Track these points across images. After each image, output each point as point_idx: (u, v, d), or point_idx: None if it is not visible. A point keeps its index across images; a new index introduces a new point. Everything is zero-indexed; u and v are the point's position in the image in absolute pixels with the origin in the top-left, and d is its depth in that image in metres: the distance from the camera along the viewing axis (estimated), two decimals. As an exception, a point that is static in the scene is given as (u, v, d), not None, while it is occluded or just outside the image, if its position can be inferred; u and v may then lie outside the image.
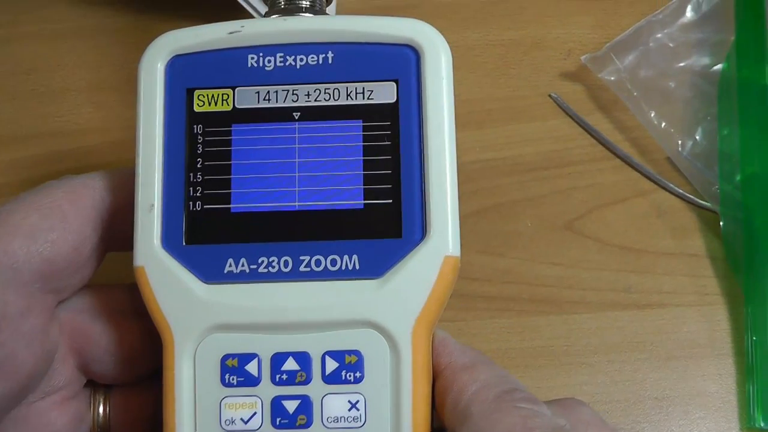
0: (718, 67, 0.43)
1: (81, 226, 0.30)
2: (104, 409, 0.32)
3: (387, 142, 0.29)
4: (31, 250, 0.28)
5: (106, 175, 0.31)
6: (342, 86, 0.29)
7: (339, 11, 0.43)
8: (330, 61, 0.29)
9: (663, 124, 0.42)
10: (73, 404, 0.31)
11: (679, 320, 0.39)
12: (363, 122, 0.29)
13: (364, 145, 0.29)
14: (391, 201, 0.28)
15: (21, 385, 0.29)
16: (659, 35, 0.43)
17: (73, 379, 0.31)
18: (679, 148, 0.42)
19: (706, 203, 0.41)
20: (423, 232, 0.28)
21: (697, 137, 0.42)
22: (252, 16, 0.41)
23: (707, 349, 0.39)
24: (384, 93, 0.29)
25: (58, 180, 0.30)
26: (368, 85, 0.29)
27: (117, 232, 0.30)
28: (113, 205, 0.30)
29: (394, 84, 0.29)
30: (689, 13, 0.44)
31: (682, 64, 0.43)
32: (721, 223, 0.40)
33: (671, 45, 0.43)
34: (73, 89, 0.43)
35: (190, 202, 0.29)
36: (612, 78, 0.42)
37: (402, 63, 0.29)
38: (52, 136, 0.42)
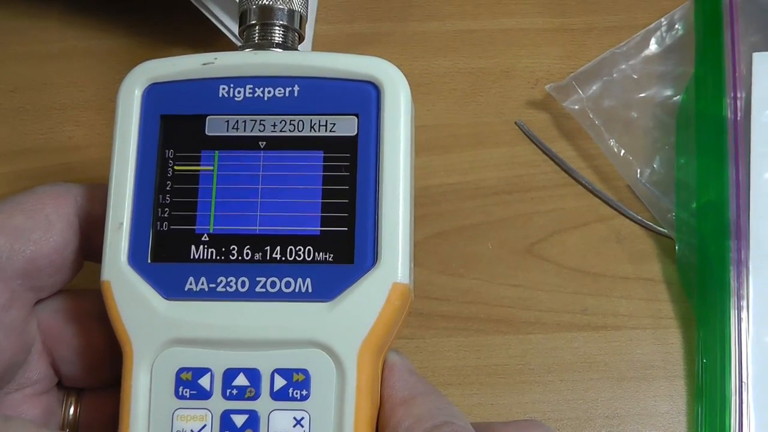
0: (678, 98, 0.43)
1: (63, 230, 0.30)
2: (74, 410, 0.33)
3: (345, 173, 0.30)
4: (15, 248, 0.29)
5: (88, 187, 0.32)
6: (306, 118, 0.30)
7: (314, 38, 0.45)
8: (296, 95, 0.31)
9: (623, 152, 0.43)
10: (44, 399, 0.32)
11: (633, 342, 0.40)
12: (324, 153, 0.30)
13: (323, 175, 0.30)
14: (346, 229, 0.29)
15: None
16: (623, 66, 0.44)
17: (47, 374, 0.32)
18: (638, 176, 0.42)
19: (662, 229, 0.42)
20: (374, 260, 0.29)
21: (656, 166, 0.43)
22: (233, 43, 0.43)
23: (660, 371, 0.40)
24: (345, 126, 0.30)
25: (44, 186, 0.31)
26: (331, 119, 0.30)
27: (95, 241, 0.31)
28: (93, 216, 0.31)
29: (355, 118, 0.30)
30: (653, 46, 0.45)
31: (643, 95, 0.44)
32: (676, 249, 0.41)
33: (634, 76, 0.44)
34: (57, 108, 0.44)
35: (158, 222, 0.30)
36: (575, 107, 0.43)
37: (363, 98, 0.30)
38: (35, 152, 0.43)
